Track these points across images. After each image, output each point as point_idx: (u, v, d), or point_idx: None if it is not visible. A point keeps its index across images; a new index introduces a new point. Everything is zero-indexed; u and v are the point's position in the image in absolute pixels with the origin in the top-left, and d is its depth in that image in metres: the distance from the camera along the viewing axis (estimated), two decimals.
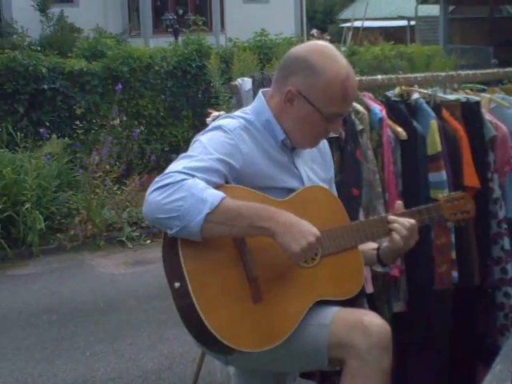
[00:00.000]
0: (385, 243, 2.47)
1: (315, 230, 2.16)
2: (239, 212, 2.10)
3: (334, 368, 2.31)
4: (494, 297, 3.34)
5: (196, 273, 2.12)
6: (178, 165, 2.16)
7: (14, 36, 14.14)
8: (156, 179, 2.13)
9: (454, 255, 3.13)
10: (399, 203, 2.52)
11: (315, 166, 2.52)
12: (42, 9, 16.70)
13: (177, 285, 2.12)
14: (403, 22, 24.42)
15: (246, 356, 2.24)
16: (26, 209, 6.91)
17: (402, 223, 2.40)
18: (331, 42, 15.69)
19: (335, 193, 2.64)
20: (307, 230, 2.15)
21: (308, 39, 16.60)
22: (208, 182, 2.12)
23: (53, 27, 16.43)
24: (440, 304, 3.15)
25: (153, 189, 2.10)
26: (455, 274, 3.13)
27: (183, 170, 2.11)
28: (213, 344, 2.16)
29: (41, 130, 8.09)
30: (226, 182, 2.22)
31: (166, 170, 2.14)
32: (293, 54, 2.35)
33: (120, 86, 8.59)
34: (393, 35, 20.72)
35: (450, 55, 11.87)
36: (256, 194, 2.25)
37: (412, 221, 2.42)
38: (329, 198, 2.47)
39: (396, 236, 2.39)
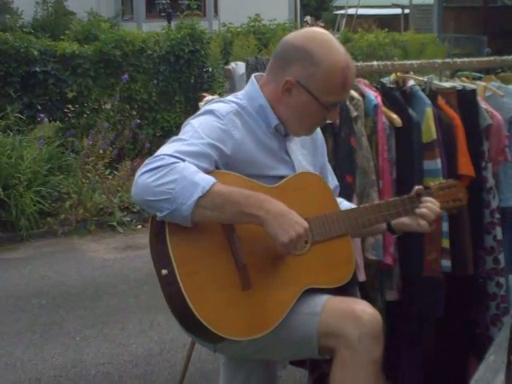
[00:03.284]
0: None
1: (304, 222, 2.14)
2: (230, 198, 2.07)
3: (324, 357, 2.30)
4: (485, 286, 3.33)
5: (184, 260, 2.09)
6: (168, 148, 2.13)
7: (7, 16, 14.00)
8: (146, 161, 2.09)
9: (446, 244, 3.11)
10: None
11: (306, 152, 2.50)
12: None
13: (164, 272, 2.09)
14: (397, 10, 24.35)
15: (235, 344, 2.22)
16: (18, 192, 6.87)
17: (432, 208, 2.43)
18: (325, 29, 15.59)
19: (332, 178, 2.65)
20: (296, 220, 2.12)
21: (302, 26, 16.54)
22: (198, 168, 2.09)
23: (47, 10, 16.30)
24: (432, 293, 3.13)
25: (143, 171, 2.07)
26: (448, 262, 3.11)
27: (174, 154, 2.08)
28: (201, 332, 2.14)
29: (41, 115, 8.07)
30: (216, 168, 2.19)
31: (157, 153, 2.12)
32: (290, 42, 2.30)
33: (126, 76, 8.59)
34: (386, 23, 20.67)
35: (444, 44, 11.84)
36: (246, 181, 2.22)
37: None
38: (319, 185, 2.44)
39: (423, 222, 2.46)
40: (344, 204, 2.64)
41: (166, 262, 2.09)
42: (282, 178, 2.33)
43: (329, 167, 2.68)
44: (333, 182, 2.68)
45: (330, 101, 2.26)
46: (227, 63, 8.01)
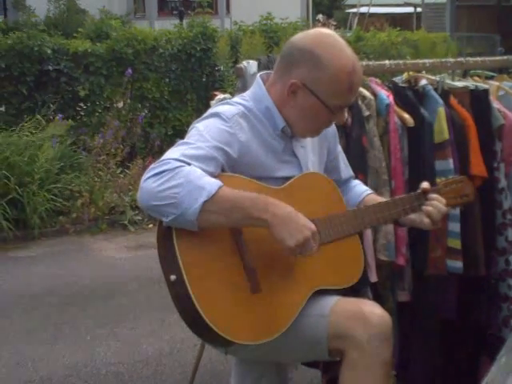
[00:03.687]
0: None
1: (311, 225, 2.12)
2: (236, 202, 2.05)
3: (334, 359, 2.28)
4: (497, 287, 3.31)
5: (192, 264, 2.08)
6: (174, 152, 2.11)
7: (20, 13, 14.03)
8: (151, 166, 2.08)
9: (457, 244, 3.09)
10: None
11: (315, 145, 2.49)
12: None
13: (173, 277, 2.08)
14: (410, 9, 24.28)
15: (246, 347, 2.20)
16: (31, 190, 6.89)
17: (438, 207, 2.40)
18: (337, 27, 15.62)
19: (346, 167, 2.65)
20: (303, 223, 2.10)
21: (314, 24, 16.51)
22: (204, 171, 2.07)
23: (59, 8, 16.30)
24: (444, 293, 3.12)
25: (148, 175, 2.05)
26: (460, 263, 3.09)
27: (180, 158, 2.07)
28: (211, 337, 2.13)
29: (59, 115, 8.08)
30: (223, 171, 2.18)
31: (162, 157, 2.10)
32: (296, 43, 2.28)
33: (130, 71, 8.57)
34: (399, 22, 20.61)
35: (457, 43, 11.80)
36: (253, 183, 2.21)
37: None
38: (326, 184, 2.44)
39: (427, 220, 2.41)
40: (359, 188, 2.65)
41: (173, 266, 2.08)
42: (288, 179, 2.32)
43: (342, 156, 2.66)
44: (347, 171, 2.67)
45: (335, 104, 2.25)
46: (236, 62, 8.00)
